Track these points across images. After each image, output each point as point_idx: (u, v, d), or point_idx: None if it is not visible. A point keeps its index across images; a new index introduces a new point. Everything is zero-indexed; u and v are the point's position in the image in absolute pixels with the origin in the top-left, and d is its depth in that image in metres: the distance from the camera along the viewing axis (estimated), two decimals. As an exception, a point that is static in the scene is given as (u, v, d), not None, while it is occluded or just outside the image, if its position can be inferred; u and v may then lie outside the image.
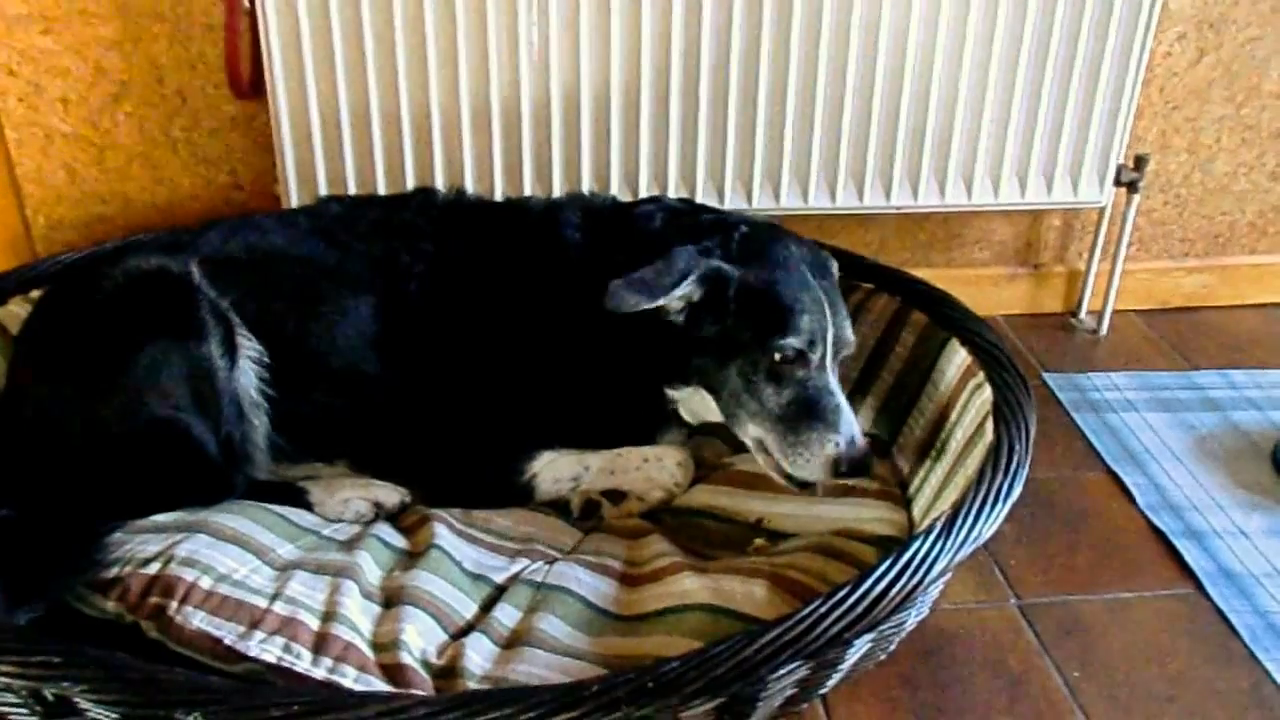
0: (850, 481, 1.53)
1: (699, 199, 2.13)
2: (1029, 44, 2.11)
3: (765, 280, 1.51)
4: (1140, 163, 2.30)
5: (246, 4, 1.95)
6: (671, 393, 1.64)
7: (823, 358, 1.52)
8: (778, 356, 1.49)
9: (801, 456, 1.49)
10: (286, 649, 1.25)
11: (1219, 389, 2.23)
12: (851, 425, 1.49)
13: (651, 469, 1.64)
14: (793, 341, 1.49)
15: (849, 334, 1.58)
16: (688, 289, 1.49)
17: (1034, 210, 2.43)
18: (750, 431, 1.55)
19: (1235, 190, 2.48)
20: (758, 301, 1.51)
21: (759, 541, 1.54)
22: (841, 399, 1.52)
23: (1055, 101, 2.17)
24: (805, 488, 1.53)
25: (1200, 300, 2.58)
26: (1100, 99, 2.18)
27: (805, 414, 1.49)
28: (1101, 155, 2.24)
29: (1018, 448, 1.38)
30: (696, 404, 1.65)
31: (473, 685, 1.25)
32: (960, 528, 1.24)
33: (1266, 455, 2.00)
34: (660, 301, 1.48)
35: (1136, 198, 2.34)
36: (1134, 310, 2.55)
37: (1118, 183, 2.29)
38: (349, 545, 1.46)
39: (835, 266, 1.67)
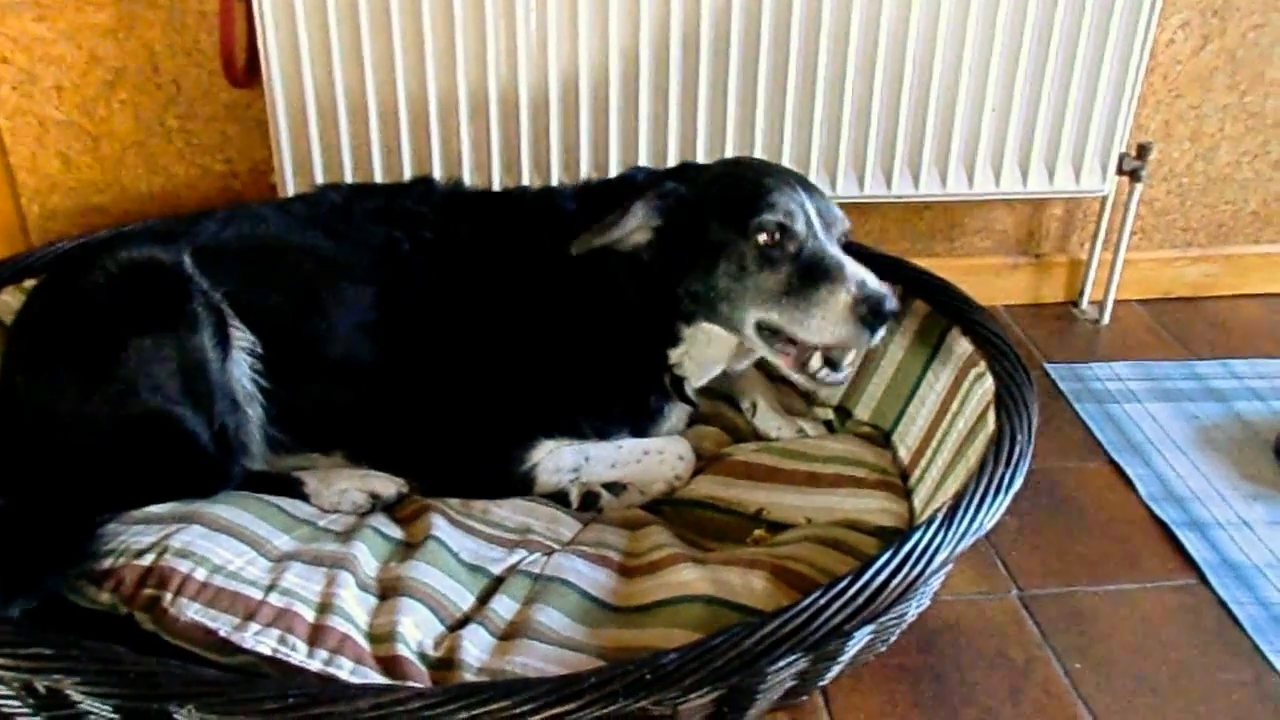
0: (878, 337, 1.45)
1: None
2: (1031, 31, 2.09)
3: (726, 181, 1.54)
4: (1143, 151, 2.28)
5: (241, -10, 1.94)
6: (673, 353, 1.63)
7: (809, 229, 1.49)
8: (761, 239, 1.47)
9: (815, 319, 1.43)
10: (282, 641, 1.24)
11: (1222, 379, 2.22)
12: (860, 272, 1.43)
13: (652, 461, 1.63)
14: (769, 217, 1.46)
15: (835, 210, 1.55)
16: (641, 217, 1.51)
17: (1036, 199, 2.41)
18: (755, 319, 1.50)
19: (1238, 179, 2.47)
20: (723, 199, 1.52)
21: (759, 532, 1.53)
22: (843, 257, 1.47)
23: (1057, 89, 2.16)
24: (834, 376, 1.50)
25: (1203, 290, 2.57)
26: (1103, 87, 2.16)
27: (808, 279, 1.45)
28: (1104, 144, 2.22)
29: (1019, 438, 1.37)
30: (699, 351, 1.63)
31: (470, 677, 1.24)
32: (961, 519, 1.23)
33: (1269, 445, 1.99)
34: (616, 234, 1.49)
35: (1139, 186, 2.32)
36: (1136, 300, 2.54)
37: (1120, 171, 2.27)
38: (345, 536, 1.45)
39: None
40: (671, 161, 2.11)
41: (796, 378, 1.53)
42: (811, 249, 1.48)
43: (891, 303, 1.42)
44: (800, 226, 1.49)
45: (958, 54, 2.09)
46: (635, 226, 1.53)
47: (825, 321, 1.43)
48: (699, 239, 1.52)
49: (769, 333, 1.51)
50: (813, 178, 2.14)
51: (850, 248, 1.85)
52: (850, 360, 1.53)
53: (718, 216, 1.51)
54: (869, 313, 1.41)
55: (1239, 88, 2.35)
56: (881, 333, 1.46)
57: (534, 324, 1.63)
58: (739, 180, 1.54)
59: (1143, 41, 2.12)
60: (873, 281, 1.44)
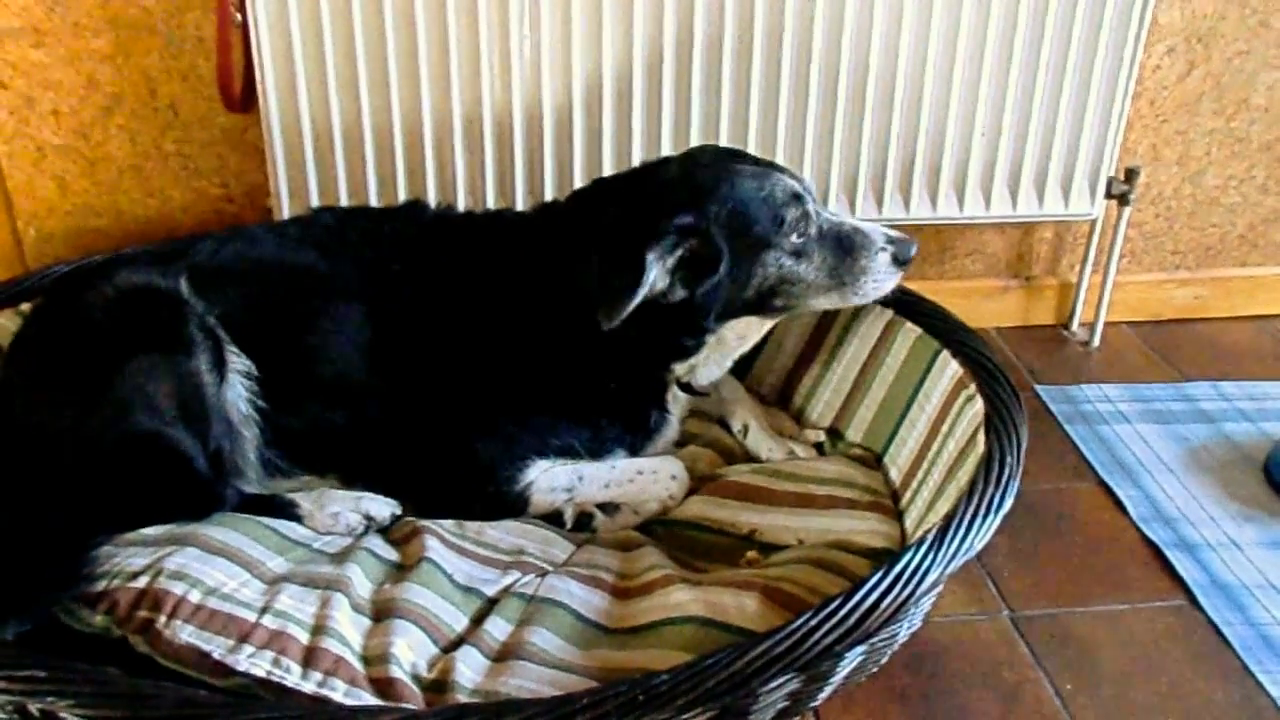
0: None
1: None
2: (1020, 58, 2.12)
3: (735, 200, 1.54)
4: (1131, 175, 2.31)
5: (239, 17, 1.95)
6: (679, 366, 1.65)
7: (818, 206, 1.60)
8: (793, 240, 1.56)
9: (867, 284, 1.60)
10: (276, 663, 1.24)
11: (1211, 401, 2.23)
12: (875, 232, 1.60)
13: (646, 481, 1.64)
14: (793, 214, 1.55)
15: (805, 181, 1.63)
16: (656, 269, 1.49)
17: (1026, 222, 2.44)
18: (819, 304, 1.65)
19: (1225, 203, 2.49)
20: (737, 220, 1.54)
21: (751, 554, 1.53)
22: (849, 220, 1.63)
23: (1046, 114, 2.18)
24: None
25: (1191, 312, 2.59)
26: (1091, 112, 2.19)
27: (841, 253, 1.59)
28: (1092, 168, 2.25)
29: (1009, 459, 1.38)
30: (714, 357, 1.67)
31: (463, 699, 1.24)
32: (952, 539, 1.24)
33: (1258, 467, 2.00)
34: (643, 294, 1.48)
35: (1128, 210, 2.35)
36: (1126, 322, 2.56)
37: (1109, 195, 2.30)
38: (339, 558, 1.46)
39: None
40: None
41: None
42: (827, 223, 1.60)
43: (913, 245, 1.62)
44: (811, 208, 1.58)
45: (947, 80, 2.12)
46: (655, 279, 1.50)
47: (877, 282, 1.61)
48: (723, 262, 1.53)
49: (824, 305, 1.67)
50: (804, 201, 2.18)
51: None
52: None
53: (737, 235, 1.54)
54: (902, 258, 1.61)
55: (1225, 113, 2.38)
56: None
57: (525, 345, 1.63)
58: (739, 199, 1.54)
59: (1129, 67, 2.15)
60: (895, 233, 1.61)
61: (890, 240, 1.60)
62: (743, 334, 1.67)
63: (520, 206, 2.12)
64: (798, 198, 1.56)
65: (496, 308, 1.64)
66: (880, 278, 1.60)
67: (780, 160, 2.13)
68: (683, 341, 1.62)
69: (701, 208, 1.53)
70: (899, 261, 1.60)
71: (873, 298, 1.63)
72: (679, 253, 1.51)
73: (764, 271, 1.57)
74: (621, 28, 2.01)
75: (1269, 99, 2.37)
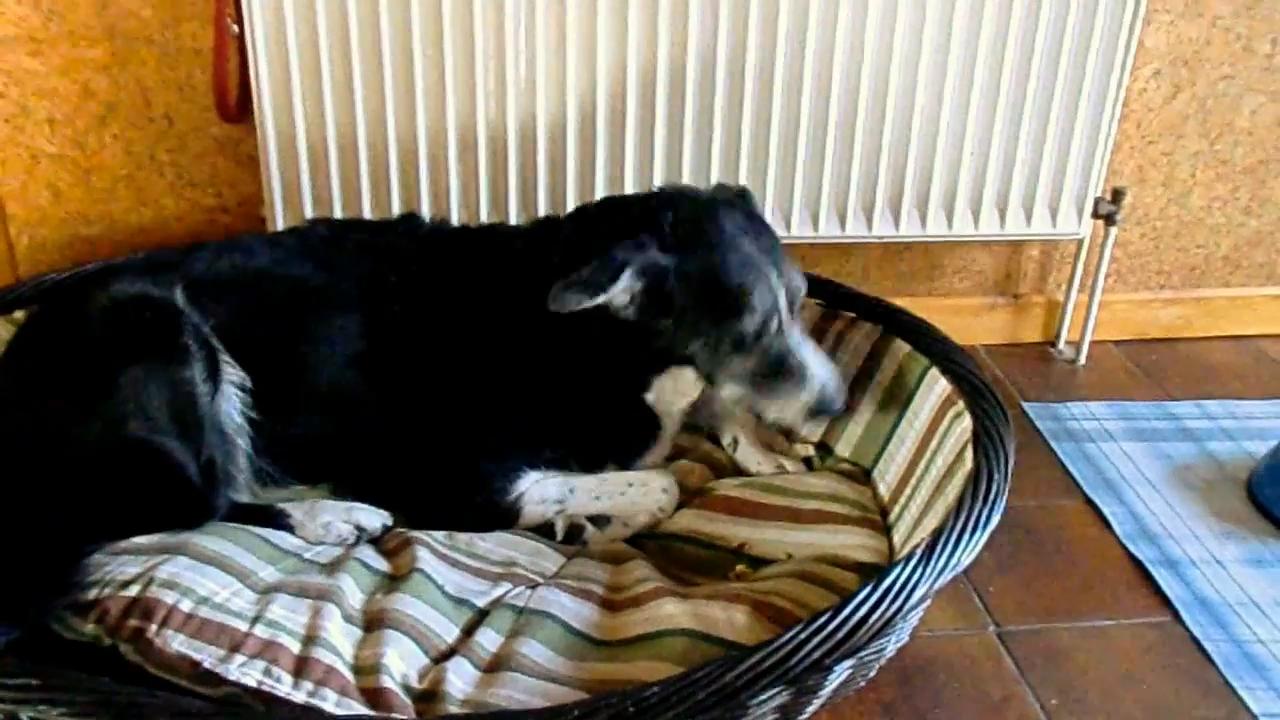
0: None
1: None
2: (1008, 79, 2.15)
3: (706, 268, 1.52)
4: (1118, 196, 2.33)
5: (235, 28, 1.97)
6: (646, 395, 1.65)
7: (780, 323, 1.56)
8: (735, 335, 1.54)
9: (774, 408, 1.58)
10: (267, 672, 1.24)
11: (1195, 419, 2.25)
12: (821, 376, 1.57)
13: (636, 493, 1.65)
14: (747, 324, 1.52)
15: (799, 283, 1.60)
16: (626, 283, 1.50)
17: (1013, 241, 2.46)
18: (729, 393, 1.61)
19: (1210, 224, 2.52)
20: (704, 289, 1.52)
21: (740, 567, 1.54)
22: (806, 352, 1.58)
23: (1034, 135, 2.21)
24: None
25: (1176, 331, 2.62)
26: (1078, 133, 2.22)
27: (774, 374, 1.56)
28: (1079, 188, 2.27)
29: (997, 476, 1.40)
30: (668, 391, 1.67)
31: (454, 709, 1.24)
32: (940, 555, 1.25)
33: (1241, 485, 2.02)
34: (600, 299, 1.48)
35: (1114, 230, 2.37)
36: (1111, 341, 2.58)
37: (1095, 215, 2.32)
38: (331, 568, 1.46)
39: (756, 202, 1.72)
40: (657, 201, 2.15)
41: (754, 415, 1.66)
42: (779, 345, 1.56)
43: (839, 405, 1.59)
44: (773, 324, 1.55)
45: (937, 100, 2.14)
46: (622, 290, 1.51)
47: (783, 412, 1.59)
48: (678, 316, 1.54)
49: (735, 399, 1.63)
50: (795, 218, 2.20)
51: (829, 288, 1.91)
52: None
53: (699, 307, 1.53)
54: (824, 411, 1.59)
55: (1210, 135, 2.41)
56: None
57: (516, 358, 1.64)
58: (716, 271, 1.52)
59: (1116, 90, 2.18)
60: (831, 387, 1.57)
61: (822, 391, 1.56)
62: (684, 391, 1.67)
63: (514, 219, 2.13)
64: (766, 314, 1.53)
65: (490, 321, 1.65)
66: (788, 412, 1.58)
67: (771, 177, 2.16)
68: (639, 364, 1.62)
69: (685, 257, 1.52)
70: (813, 412, 1.58)
71: (770, 418, 1.61)
72: (645, 279, 1.51)
73: (700, 343, 1.56)
74: (616, 44, 2.03)
75: (1253, 122, 2.41)
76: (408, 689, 1.27)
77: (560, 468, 1.65)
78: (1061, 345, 2.55)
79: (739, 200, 1.67)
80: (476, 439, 1.63)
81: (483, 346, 1.65)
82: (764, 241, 1.59)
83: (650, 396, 1.68)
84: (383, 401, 1.64)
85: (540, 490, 1.62)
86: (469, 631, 1.38)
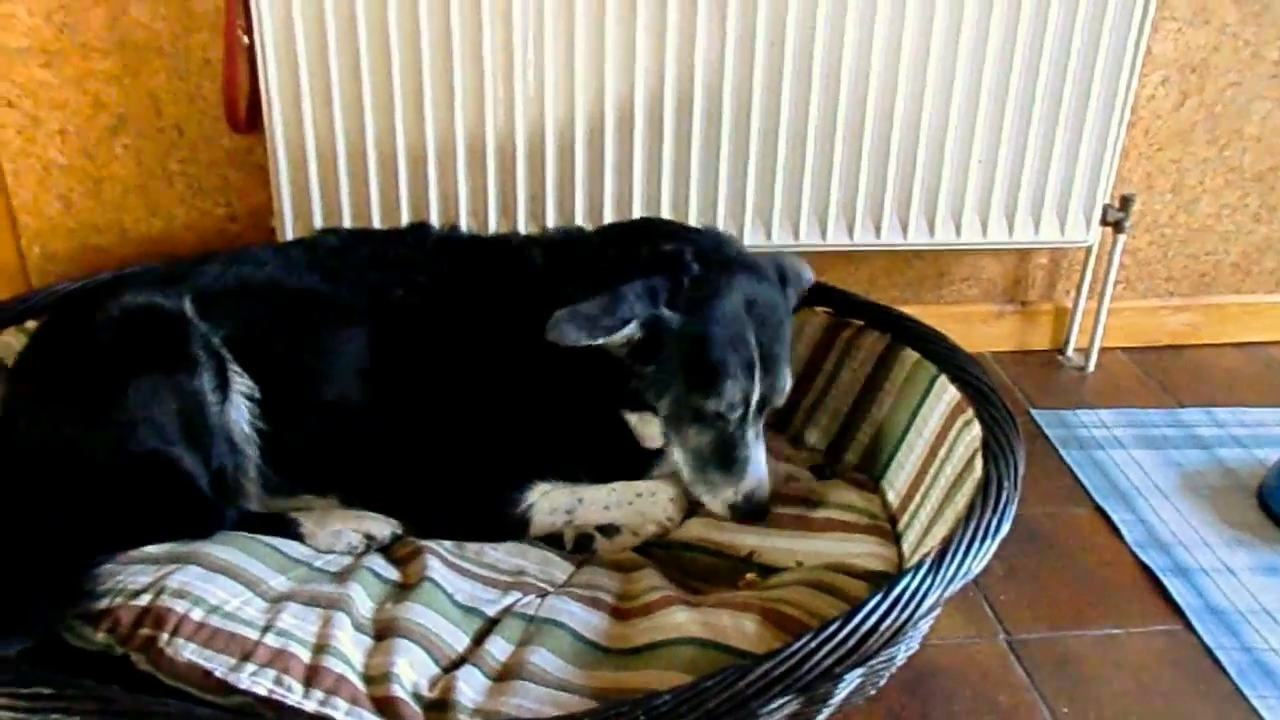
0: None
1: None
2: (1016, 87, 2.15)
3: (700, 338, 1.52)
4: (1126, 203, 2.33)
5: (245, 39, 1.98)
6: (628, 416, 1.65)
7: (744, 414, 1.56)
8: (699, 409, 1.54)
9: (701, 488, 1.59)
10: (278, 681, 1.25)
11: (1205, 426, 2.25)
12: (752, 480, 1.57)
13: (645, 504, 1.65)
14: (713, 404, 1.53)
15: (780, 386, 1.59)
16: (629, 332, 1.50)
17: (1022, 249, 2.46)
18: (674, 456, 1.62)
19: (1219, 230, 2.52)
20: (690, 355, 1.52)
21: (750, 575, 1.54)
22: (753, 450, 1.58)
23: (1042, 143, 2.21)
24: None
25: (1185, 339, 2.61)
26: (1086, 140, 2.21)
27: (717, 458, 1.57)
28: (1088, 195, 2.27)
29: (1006, 484, 1.40)
30: (647, 429, 1.66)
31: (465, 718, 1.24)
32: (950, 563, 1.25)
33: (1252, 492, 2.02)
34: (600, 341, 1.48)
35: (1122, 237, 2.37)
36: (1121, 348, 2.58)
37: (1104, 222, 2.32)
38: (341, 577, 1.46)
39: (808, 280, 1.71)
40: (665, 209, 2.15)
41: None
42: (734, 435, 1.56)
43: (764, 515, 1.59)
44: (735, 415, 1.55)
45: (945, 107, 2.15)
46: (622, 337, 1.50)
47: (707, 496, 1.60)
48: (658, 369, 1.55)
49: (676, 466, 1.63)
50: (804, 226, 2.20)
51: (838, 295, 1.91)
52: None
53: (680, 368, 1.53)
54: (744, 516, 1.58)
55: (1218, 142, 2.41)
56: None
57: (524, 370, 1.64)
58: (707, 345, 1.51)
59: (1124, 97, 2.18)
60: (758, 494, 1.57)
61: (749, 496, 1.56)
62: (651, 436, 1.65)
63: (523, 228, 2.13)
64: (731, 405, 1.53)
65: (500, 333, 1.65)
66: (712, 498, 1.59)
67: (779, 186, 2.16)
68: (621, 394, 1.61)
69: (689, 319, 1.52)
70: (740, 513, 1.58)
71: (695, 496, 1.62)
72: (645, 330, 1.51)
73: (669, 400, 1.56)
74: (624, 53, 2.03)
75: (1261, 129, 2.40)
76: (418, 698, 1.27)
77: (569, 479, 1.65)
78: (1070, 352, 2.55)
79: (775, 272, 1.64)
80: (485, 450, 1.63)
81: (492, 358, 1.65)
82: (768, 331, 1.56)
83: (632, 419, 1.67)
84: (392, 413, 1.64)
85: (549, 501, 1.62)
86: (479, 640, 1.38)
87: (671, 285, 1.53)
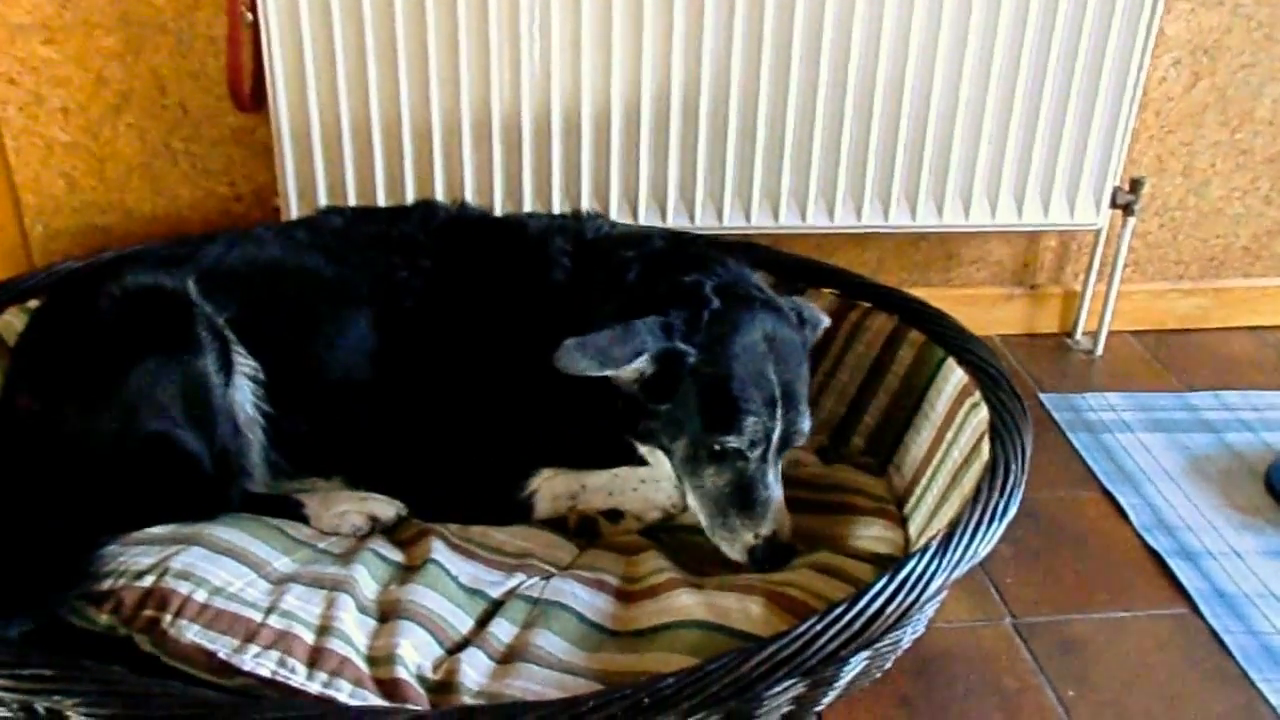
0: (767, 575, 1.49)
1: (697, 217, 2.15)
2: (1026, 67, 2.13)
3: (719, 373, 1.48)
4: (1136, 186, 2.31)
5: (249, 17, 1.96)
6: (640, 447, 1.62)
7: (764, 452, 1.50)
8: (718, 447, 1.48)
9: (719, 531, 1.50)
10: (281, 663, 1.24)
11: (1213, 410, 2.24)
12: (772, 522, 1.49)
13: (648, 489, 1.64)
14: (733, 441, 1.47)
15: (801, 427, 1.53)
16: (640, 365, 1.47)
17: (1031, 231, 2.44)
18: (690, 500, 1.55)
19: (1229, 214, 2.50)
20: (708, 392, 1.48)
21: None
22: (774, 492, 1.50)
23: (1052, 124, 2.19)
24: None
25: (1195, 322, 2.60)
26: (1097, 122, 2.20)
27: (737, 500, 1.49)
28: (1097, 178, 2.25)
29: (1014, 467, 1.39)
30: (655, 459, 1.63)
31: (468, 700, 1.24)
32: (956, 546, 1.24)
33: (1260, 476, 2.01)
34: (609, 373, 1.46)
35: (1132, 220, 2.35)
36: (1129, 331, 2.57)
37: (1113, 205, 2.30)
38: (345, 559, 1.46)
39: (823, 325, 1.66)
40: (671, 189, 2.14)
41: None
42: (754, 474, 1.49)
43: (783, 559, 1.48)
44: (755, 454, 1.49)
45: (954, 89, 2.13)
46: (632, 370, 1.48)
47: (724, 541, 1.50)
48: (674, 406, 1.50)
49: (694, 509, 1.55)
50: (811, 208, 2.19)
51: (845, 278, 1.90)
52: None
53: (697, 406, 1.48)
54: (763, 560, 1.47)
55: (1230, 125, 2.39)
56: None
57: (527, 357, 1.63)
58: (727, 381, 1.48)
59: (1135, 78, 2.16)
60: (780, 537, 1.49)
61: (769, 539, 1.48)
62: (661, 478, 1.61)
63: (529, 206, 2.12)
64: (753, 443, 1.48)
65: (506, 316, 1.64)
66: (729, 542, 1.49)
67: (787, 166, 2.14)
68: (628, 426, 1.58)
69: (706, 355, 1.48)
70: (758, 557, 1.47)
71: (713, 542, 1.51)
72: (655, 368, 1.48)
73: (685, 442, 1.51)
74: (632, 34, 2.02)
75: (1273, 112, 2.38)
76: (422, 680, 1.27)
77: (574, 463, 1.64)
78: (1079, 336, 2.53)
79: (793, 314, 1.60)
80: (492, 434, 1.62)
81: (496, 342, 1.64)
82: (788, 368, 1.52)
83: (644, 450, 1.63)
84: (396, 395, 1.63)
85: (553, 486, 1.62)
86: (483, 622, 1.38)
87: (689, 319, 1.50)
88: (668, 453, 1.55)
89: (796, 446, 1.56)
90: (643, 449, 1.61)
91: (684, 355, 1.48)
